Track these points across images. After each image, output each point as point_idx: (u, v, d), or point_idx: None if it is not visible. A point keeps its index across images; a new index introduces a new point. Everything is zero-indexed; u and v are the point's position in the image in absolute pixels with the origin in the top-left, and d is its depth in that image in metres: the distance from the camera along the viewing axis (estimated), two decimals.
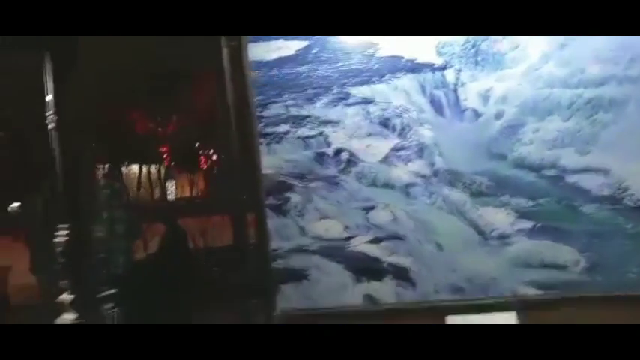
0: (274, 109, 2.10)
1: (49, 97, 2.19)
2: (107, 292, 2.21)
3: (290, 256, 2.08)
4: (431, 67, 2.00)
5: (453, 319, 1.98)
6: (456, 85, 1.99)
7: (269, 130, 2.11)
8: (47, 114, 2.19)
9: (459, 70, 1.99)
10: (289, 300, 2.09)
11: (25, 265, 5.64)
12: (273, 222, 2.10)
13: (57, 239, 2.17)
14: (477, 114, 1.99)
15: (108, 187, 5.78)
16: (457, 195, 1.99)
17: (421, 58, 2.00)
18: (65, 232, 2.14)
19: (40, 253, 5.18)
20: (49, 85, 2.18)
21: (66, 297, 2.18)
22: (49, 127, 2.20)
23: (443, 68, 2.00)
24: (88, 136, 2.26)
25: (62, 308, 2.20)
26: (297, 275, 2.07)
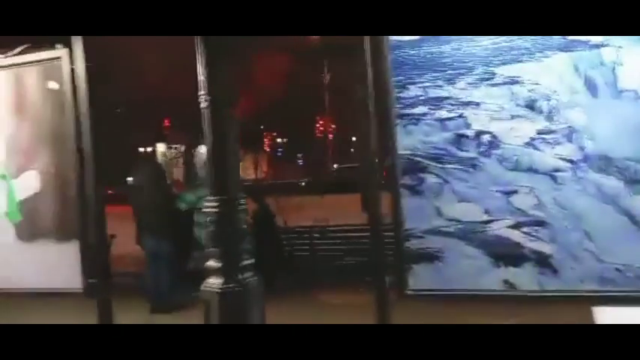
0: (413, 91, 2.12)
1: (201, 78, 2.39)
2: (247, 262, 2.39)
3: (425, 237, 2.11)
4: (586, 44, 1.87)
5: (599, 311, 1.88)
6: (614, 64, 1.85)
7: (407, 111, 2.13)
8: (200, 94, 2.40)
9: (620, 48, 1.84)
10: (421, 281, 2.12)
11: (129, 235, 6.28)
12: (407, 202, 2.13)
13: (208, 209, 2.40)
14: (637, 95, 1.83)
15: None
16: (609, 181, 1.87)
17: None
18: (215, 204, 2.36)
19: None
20: (202, 67, 2.38)
21: (212, 264, 2.40)
22: (202, 105, 2.41)
23: (600, 46, 1.86)
24: (233, 114, 2.41)
25: (209, 274, 2.43)
26: (431, 257, 2.09)
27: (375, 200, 2.19)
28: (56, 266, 2.76)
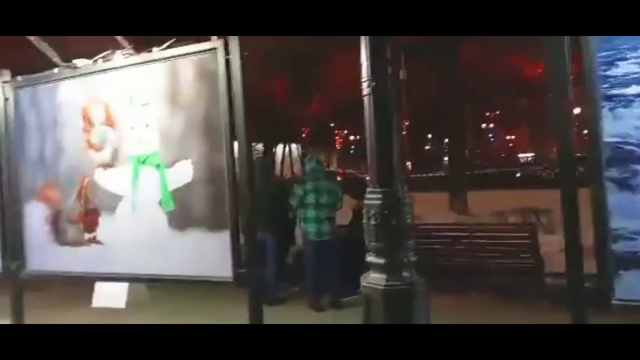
0: (624, 68, 1.81)
1: (364, 63, 2.26)
2: (412, 258, 2.22)
3: (636, 238, 1.80)
4: None
5: None
6: None
7: (615, 91, 1.83)
8: (362, 80, 2.27)
9: None
10: (631, 289, 1.82)
11: None
12: (614, 197, 1.83)
13: (370, 202, 2.26)
14: None
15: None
16: None
17: None
18: (379, 197, 2.21)
19: None
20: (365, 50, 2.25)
21: (374, 259, 2.26)
22: (364, 92, 2.28)
23: None
24: (397, 102, 2.25)
25: (371, 269, 2.29)
26: None
27: (572, 196, 1.91)
28: (207, 255, 2.77)
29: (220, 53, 2.66)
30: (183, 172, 2.83)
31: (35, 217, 3.35)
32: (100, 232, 3.11)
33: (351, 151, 37.77)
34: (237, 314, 2.74)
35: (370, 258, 2.26)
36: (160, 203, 2.90)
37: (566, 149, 1.90)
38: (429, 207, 11.29)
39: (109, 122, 3.05)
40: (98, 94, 3.08)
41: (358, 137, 37.59)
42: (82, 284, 4.61)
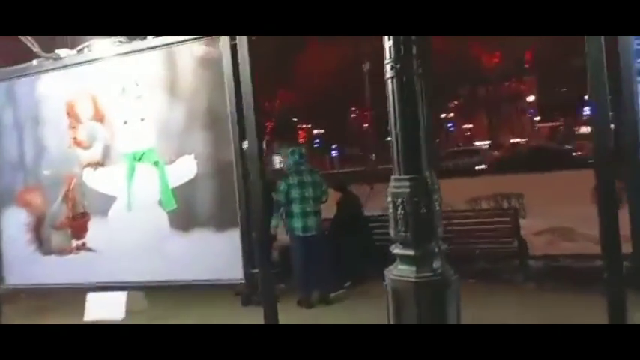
0: None
1: (387, 43, 2.14)
2: (442, 247, 2.13)
3: None
4: None
5: None
6: None
7: None
8: (385, 62, 2.16)
9: None
10: None
11: None
12: None
13: (395, 190, 2.15)
14: None
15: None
16: None
17: None
18: (406, 184, 2.11)
19: None
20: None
21: (401, 250, 2.16)
22: (387, 75, 2.16)
23: None
24: (423, 84, 2.15)
25: (398, 261, 2.19)
26: None
27: (608, 177, 1.87)
28: (215, 256, 2.59)
29: (225, 39, 2.48)
30: (186, 169, 2.63)
31: (13, 225, 3.05)
32: (91, 238, 2.87)
33: (315, 145, 37.94)
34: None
35: (397, 250, 2.15)
36: (160, 203, 2.70)
37: (601, 135, 1.85)
38: None
39: (98, 117, 2.81)
40: (85, 87, 2.83)
41: (322, 131, 37.91)
42: (53, 295, 4.34)
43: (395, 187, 2.15)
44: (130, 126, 2.74)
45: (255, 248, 2.47)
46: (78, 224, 2.88)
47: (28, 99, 2.99)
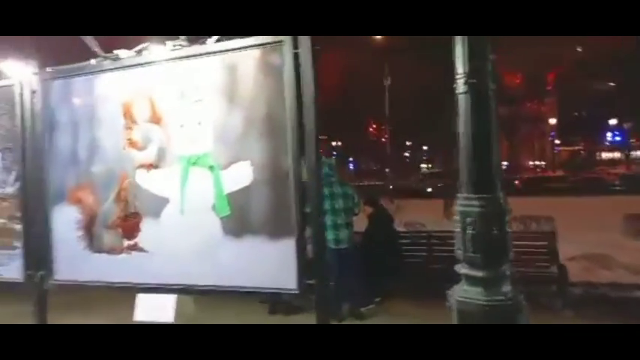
0: None
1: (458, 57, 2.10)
2: (510, 271, 2.07)
3: None
4: None
5: None
6: None
7: None
8: (457, 77, 2.11)
9: None
10: None
11: None
12: None
13: (466, 208, 2.10)
14: None
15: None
16: None
17: None
18: (477, 203, 2.05)
19: None
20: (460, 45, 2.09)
21: (470, 271, 2.10)
22: (459, 90, 2.12)
23: None
24: (495, 101, 2.10)
25: (467, 281, 2.13)
26: None
27: None
28: (267, 265, 2.56)
29: (287, 47, 2.46)
30: (241, 175, 2.61)
31: (64, 221, 3.07)
32: (142, 239, 2.86)
33: (333, 157, 37.95)
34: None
35: (464, 270, 2.09)
36: (214, 208, 2.68)
37: None
38: (427, 214, 11.28)
39: (155, 119, 2.81)
40: (142, 89, 2.84)
41: (339, 144, 37.88)
42: (79, 291, 4.36)
43: (464, 206, 2.10)
44: (187, 129, 2.73)
45: (313, 259, 2.43)
46: (129, 224, 2.88)
47: (84, 98, 3.01)
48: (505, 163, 36.96)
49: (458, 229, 2.13)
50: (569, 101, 29.52)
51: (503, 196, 2.07)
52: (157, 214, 2.81)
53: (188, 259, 2.73)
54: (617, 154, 37.70)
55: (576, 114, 33.74)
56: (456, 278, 2.22)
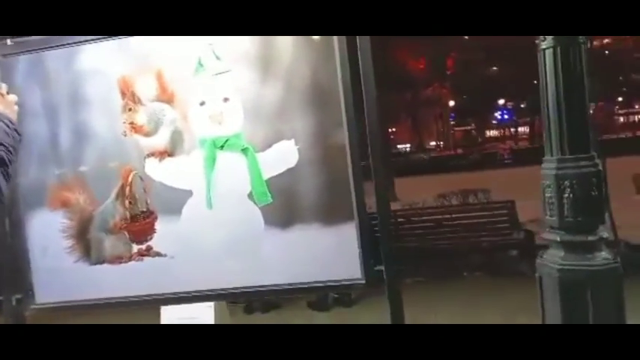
0: None
1: None
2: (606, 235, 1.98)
3: None
4: None
5: None
6: None
7: None
8: None
9: None
10: None
11: None
12: None
13: (559, 171, 1.96)
14: None
15: None
16: None
17: None
18: (574, 164, 1.93)
19: None
20: None
21: (567, 237, 1.98)
22: (542, 46, 1.97)
23: None
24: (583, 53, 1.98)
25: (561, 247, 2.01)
26: None
27: None
28: (323, 255, 2.26)
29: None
30: (284, 156, 2.26)
31: (46, 230, 2.48)
32: (158, 241, 2.40)
33: None
34: None
35: (561, 236, 1.97)
36: (251, 196, 2.30)
37: None
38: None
39: (165, 97, 2.34)
40: (145, 61, 2.35)
41: None
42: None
43: (558, 169, 1.97)
44: (209, 107, 2.31)
45: (381, 242, 2.18)
46: (140, 225, 2.40)
47: (63, 75, 2.43)
48: (409, 144, 38.67)
49: (549, 194, 2.01)
50: (465, 84, 31.59)
51: (597, 155, 1.98)
52: (176, 210, 2.36)
53: (221, 259, 2.33)
54: (505, 132, 41.06)
55: (468, 96, 36.14)
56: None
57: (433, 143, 39.64)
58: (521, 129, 39.90)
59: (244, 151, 2.29)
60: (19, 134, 1.22)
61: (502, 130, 41.53)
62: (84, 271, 2.46)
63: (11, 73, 2.44)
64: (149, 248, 2.41)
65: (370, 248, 2.21)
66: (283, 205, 2.29)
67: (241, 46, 2.27)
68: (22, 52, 2.45)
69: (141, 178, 2.38)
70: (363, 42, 2.14)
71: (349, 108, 2.18)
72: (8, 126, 1.21)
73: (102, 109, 2.41)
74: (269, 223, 2.30)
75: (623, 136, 29.47)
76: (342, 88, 2.18)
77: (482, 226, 5.91)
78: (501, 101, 37.97)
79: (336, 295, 5.11)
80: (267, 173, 2.28)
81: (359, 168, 2.20)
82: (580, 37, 1.93)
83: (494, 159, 28.93)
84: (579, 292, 1.92)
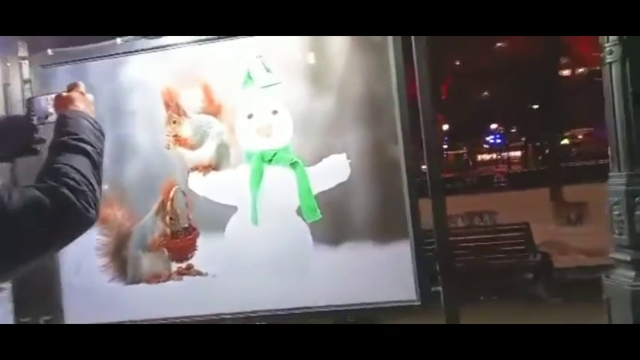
0: None
1: None
2: None
3: None
4: None
5: None
6: None
7: None
8: (605, 45, 1.93)
9: None
10: None
11: None
12: None
13: (630, 187, 1.90)
14: None
15: None
16: None
17: None
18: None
19: None
20: None
21: (626, 255, 1.91)
22: (607, 60, 1.93)
23: None
24: None
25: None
26: None
27: None
28: (376, 274, 2.16)
29: None
30: (335, 170, 2.18)
31: (79, 247, 2.36)
32: (199, 260, 2.29)
33: None
34: None
35: (637, 255, 1.90)
36: (299, 212, 2.21)
37: None
38: None
39: (212, 109, 2.27)
40: (191, 72, 2.28)
41: None
42: None
43: (630, 185, 1.91)
44: (258, 120, 2.24)
45: (439, 262, 2.08)
46: (180, 242, 2.29)
47: (104, 86, 2.36)
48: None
49: (617, 211, 1.94)
50: (458, 109, 31.92)
51: None
52: (219, 226, 2.26)
53: (267, 278, 2.22)
54: (496, 155, 41.28)
55: (461, 121, 36.43)
56: None
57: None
58: (512, 153, 40.24)
59: (293, 164, 2.21)
60: (103, 135, 1.13)
61: (495, 154, 41.83)
62: (118, 291, 2.35)
63: (50, 83, 2.36)
64: (190, 267, 2.30)
65: (426, 268, 2.12)
66: (333, 222, 2.20)
67: (292, 58, 2.21)
68: (61, 62, 2.38)
69: (183, 193, 2.29)
70: (419, 44, 2.08)
71: (405, 121, 2.12)
72: (93, 125, 1.12)
73: (144, 121, 2.33)
74: (318, 240, 2.20)
75: None
76: (397, 99, 2.12)
77: (499, 248, 5.83)
78: (493, 126, 38.43)
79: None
80: (317, 188, 2.20)
81: (414, 184, 2.13)
82: None
83: (492, 182, 29.02)
84: (616, 307, 1.85)
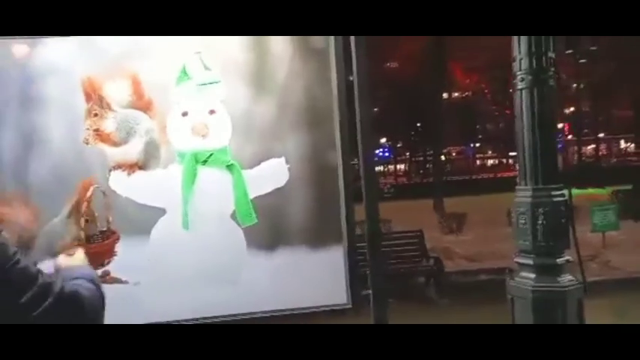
0: None
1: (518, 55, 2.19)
2: (568, 260, 2.22)
3: None
4: None
5: None
6: None
7: None
8: (517, 72, 2.19)
9: None
10: None
11: None
12: None
13: (535, 200, 2.17)
14: None
15: None
16: None
17: None
18: (548, 193, 2.15)
19: None
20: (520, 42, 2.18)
21: (539, 260, 2.17)
22: (518, 86, 2.20)
23: None
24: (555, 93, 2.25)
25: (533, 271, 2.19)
26: None
27: None
28: (310, 279, 2.17)
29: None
30: (274, 175, 2.16)
31: None
32: (119, 266, 2.08)
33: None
34: None
35: (536, 260, 2.16)
36: (234, 216, 2.14)
37: None
38: None
39: (142, 104, 2.10)
40: (120, 62, 2.09)
41: None
42: None
43: (534, 197, 2.18)
44: (192, 119, 2.13)
45: (371, 265, 2.16)
46: (96, 248, 2.06)
47: (12, 67, 2.05)
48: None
49: (522, 220, 2.21)
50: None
51: (561, 187, 2.23)
52: (144, 230, 2.09)
53: (197, 286, 2.11)
54: (383, 168, 43.80)
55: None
56: None
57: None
58: (399, 166, 43.39)
59: (230, 167, 2.14)
60: None
61: (383, 167, 44.62)
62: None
63: None
64: (106, 274, 2.08)
65: (357, 272, 2.19)
66: (269, 227, 2.17)
67: (232, 58, 2.16)
68: None
69: (103, 193, 2.08)
70: (358, 46, 2.16)
71: (343, 127, 2.18)
72: None
73: (59, 111, 2.07)
74: (253, 246, 2.15)
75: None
76: (336, 105, 2.18)
77: (397, 254, 6.22)
78: (383, 140, 40.83)
79: None
80: (254, 192, 2.16)
81: (350, 190, 2.20)
82: (551, 79, 2.21)
83: (382, 192, 30.65)
84: (551, 311, 2.13)
